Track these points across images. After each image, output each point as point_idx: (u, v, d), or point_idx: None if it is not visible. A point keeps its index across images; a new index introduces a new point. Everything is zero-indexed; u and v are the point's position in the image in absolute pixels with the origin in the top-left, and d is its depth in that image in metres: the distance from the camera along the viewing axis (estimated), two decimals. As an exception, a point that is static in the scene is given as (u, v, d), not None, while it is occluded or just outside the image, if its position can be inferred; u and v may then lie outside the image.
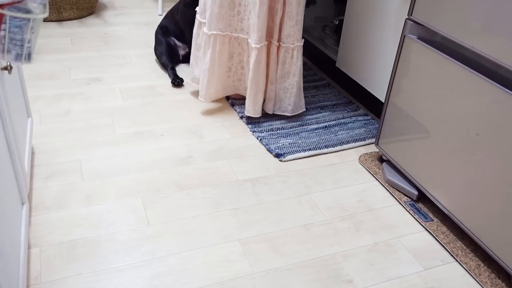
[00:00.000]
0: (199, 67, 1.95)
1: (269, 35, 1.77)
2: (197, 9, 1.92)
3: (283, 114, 1.92)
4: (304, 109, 1.97)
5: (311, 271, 1.28)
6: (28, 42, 0.88)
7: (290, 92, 1.88)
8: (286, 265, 1.29)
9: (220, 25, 1.75)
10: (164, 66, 2.27)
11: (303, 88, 2.10)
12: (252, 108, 1.86)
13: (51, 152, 1.65)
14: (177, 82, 2.13)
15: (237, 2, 1.73)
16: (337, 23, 2.43)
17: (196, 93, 2.11)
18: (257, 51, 1.73)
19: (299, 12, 1.73)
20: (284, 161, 1.71)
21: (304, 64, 2.46)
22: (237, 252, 1.32)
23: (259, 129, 1.86)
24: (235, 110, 1.99)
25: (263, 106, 1.92)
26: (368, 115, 2.02)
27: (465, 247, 1.38)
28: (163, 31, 2.33)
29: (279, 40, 1.78)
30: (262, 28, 1.69)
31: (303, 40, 1.81)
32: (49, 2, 2.65)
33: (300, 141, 1.81)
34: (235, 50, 1.84)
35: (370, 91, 1.96)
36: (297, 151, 1.74)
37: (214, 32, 1.77)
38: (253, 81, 1.79)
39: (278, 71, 1.83)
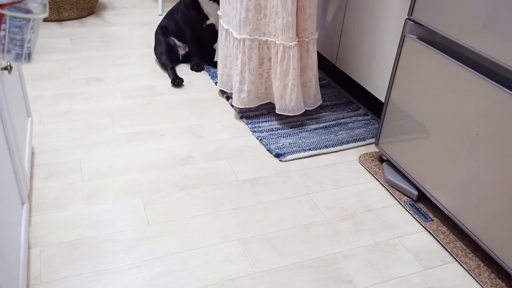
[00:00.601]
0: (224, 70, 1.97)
1: None
2: (221, 15, 1.94)
3: (305, 108, 1.92)
4: (321, 101, 1.98)
5: (311, 271, 1.28)
6: (28, 42, 0.88)
7: (309, 86, 1.89)
8: (286, 265, 1.29)
9: (248, 29, 1.75)
10: (164, 66, 2.27)
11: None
12: (288, 107, 1.86)
13: (51, 152, 1.65)
14: (177, 82, 2.13)
15: (263, 5, 1.72)
16: None
17: (195, 93, 2.11)
18: (290, 49, 1.73)
19: (311, 5, 1.73)
20: (284, 161, 1.71)
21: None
22: (237, 252, 1.32)
23: (259, 129, 1.86)
24: (235, 110, 1.99)
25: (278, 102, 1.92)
26: (368, 115, 2.02)
27: (465, 247, 1.38)
28: (163, 31, 2.33)
29: (296, 35, 1.78)
30: (294, 26, 1.70)
31: (317, 32, 1.81)
32: (49, 2, 2.65)
33: (300, 141, 1.81)
34: (265, 55, 1.83)
35: (370, 91, 1.96)
36: (297, 151, 1.74)
37: (243, 36, 1.77)
38: (281, 80, 1.79)
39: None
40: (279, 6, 1.67)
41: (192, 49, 2.30)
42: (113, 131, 1.80)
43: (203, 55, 2.38)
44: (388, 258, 1.34)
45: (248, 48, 1.78)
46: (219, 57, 1.98)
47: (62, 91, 2.04)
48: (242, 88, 1.85)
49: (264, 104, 2.04)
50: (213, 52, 2.41)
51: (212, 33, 2.27)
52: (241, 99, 1.87)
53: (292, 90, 1.80)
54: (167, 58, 2.26)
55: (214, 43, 2.39)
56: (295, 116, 1.96)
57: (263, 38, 1.78)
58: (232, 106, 2.02)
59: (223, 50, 1.95)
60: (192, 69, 2.31)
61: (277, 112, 1.88)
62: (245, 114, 1.95)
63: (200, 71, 2.30)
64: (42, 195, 1.46)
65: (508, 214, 1.20)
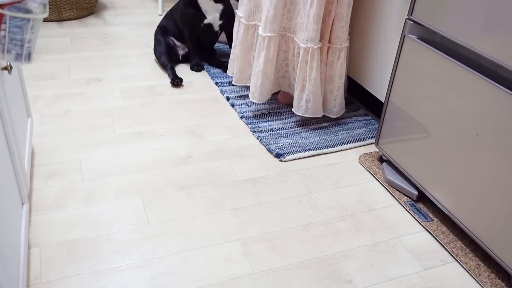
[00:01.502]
0: (251, 68, 1.96)
1: (320, 37, 1.77)
2: (240, 13, 1.94)
3: (328, 115, 1.92)
4: (345, 110, 1.98)
5: (311, 271, 1.28)
6: (28, 42, 0.88)
7: (336, 94, 1.87)
8: (286, 265, 1.29)
9: (275, 27, 1.75)
10: (163, 66, 2.27)
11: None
12: (296, 105, 1.85)
13: (51, 152, 1.65)
14: (177, 82, 2.13)
15: (288, 1, 1.73)
16: None
17: (195, 93, 2.11)
18: (303, 51, 1.73)
19: (348, 13, 1.73)
20: (284, 161, 1.71)
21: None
22: (237, 252, 1.32)
23: (259, 129, 1.86)
24: (235, 110, 2.00)
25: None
26: (368, 115, 2.02)
27: (465, 247, 1.38)
28: (162, 31, 2.33)
29: (329, 41, 1.78)
30: (311, 28, 1.68)
31: (348, 39, 1.82)
32: (49, 2, 2.65)
33: (300, 141, 1.81)
34: (281, 47, 1.84)
35: (370, 91, 1.96)
36: (297, 151, 1.74)
37: (269, 34, 1.76)
38: (299, 79, 1.79)
39: (326, 72, 1.83)
40: (301, 4, 1.70)
41: (191, 49, 2.30)
42: (113, 131, 1.80)
43: (202, 54, 2.38)
44: (388, 258, 1.34)
45: (274, 45, 1.78)
46: (241, 54, 1.96)
47: (62, 91, 2.04)
48: (264, 85, 1.85)
49: (264, 104, 2.04)
50: (212, 51, 2.41)
51: (210, 33, 2.27)
52: (263, 94, 1.88)
53: (296, 88, 1.81)
54: (167, 58, 2.26)
55: (214, 43, 2.39)
56: (295, 116, 1.96)
57: (282, 33, 1.80)
58: (233, 106, 2.02)
59: (251, 48, 1.94)
60: (192, 69, 2.31)
61: (294, 111, 1.87)
62: (245, 114, 1.95)
63: (200, 71, 2.30)
64: (42, 195, 1.46)
65: (508, 214, 1.20)
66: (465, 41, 1.24)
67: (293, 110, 1.87)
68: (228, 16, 2.26)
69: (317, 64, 1.74)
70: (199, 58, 2.33)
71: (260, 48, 1.80)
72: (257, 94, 1.87)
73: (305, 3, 1.68)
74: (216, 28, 2.25)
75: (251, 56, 1.94)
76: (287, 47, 1.84)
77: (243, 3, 1.90)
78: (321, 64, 1.79)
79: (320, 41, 1.75)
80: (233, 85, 2.16)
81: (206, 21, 2.21)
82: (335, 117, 1.92)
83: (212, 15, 2.20)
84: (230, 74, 2.11)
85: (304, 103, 1.82)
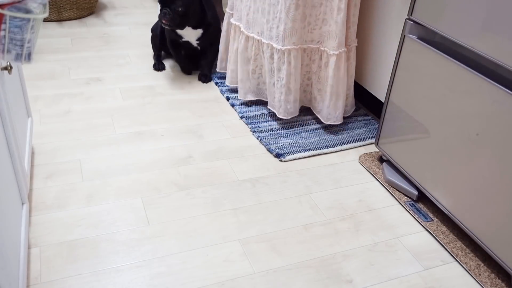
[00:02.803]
0: (250, 81, 1.95)
1: None
2: (237, 22, 1.93)
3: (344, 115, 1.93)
4: (355, 107, 2.00)
5: (311, 271, 1.28)
6: (28, 42, 0.88)
7: (347, 93, 1.88)
8: (286, 265, 1.29)
9: (294, 39, 1.73)
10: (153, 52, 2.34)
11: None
12: (333, 116, 1.84)
13: (51, 152, 1.65)
14: (158, 67, 2.20)
15: (308, 13, 1.72)
16: None
17: (195, 93, 2.11)
18: (335, 57, 1.73)
19: (356, 13, 1.76)
20: (284, 161, 1.71)
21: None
22: (237, 252, 1.32)
23: (259, 129, 1.86)
24: (235, 110, 2.00)
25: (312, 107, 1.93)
26: (368, 115, 2.02)
27: (465, 247, 1.38)
28: (156, 24, 2.34)
29: (345, 44, 1.79)
30: (340, 34, 1.70)
31: (357, 39, 1.84)
32: (49, 2, 2.65)
33: (300, 141, 1.81)
34: (303, 61, 1.83)
35: (370, 91, 1.96)
36: (297, 151, 1.74)
37: (289, 47, 1.73)
38: (333, 88, 1.78)
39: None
40: (327, 13, 1.70)
41: (174, 56, 2.29)
42: (113, 131, 1.80)
43: (193, 60, 2.33)
44: (388, 258, 1.34)
45: (294, 58, 1.75)
46: (242, 69, 1.94)
47: (62, 91, 2.04)
48: (288, 99, 1.82)
49: (264, 104, 2.04)
50: (197, 61, 2.33)
51: (189, 47, 2.23)
52: (288, 110, 1.85)
53: (337, 98, 1.81)
54: (154, 46, 2.33)
55: (196, 55, 2.30)
56: (295, 116, 1.96)
57: (305, 46, 1.78)
58: (233, 106, 2.02)
59: (250, 61, 1.91)
60: (153, 67, 2.31)
61: (330, 123, 1.86)
62: (245, 114, 1.95)
63: (159, 70, 2.28)
64: (42, 195, 1.46)
65: (508, 214, 1.20)
66: (465, 41, 1.24)
67: (327, 122, 1.85)
68: (207, 36, 2.18)
69: (344, 67, 1.77)
70: (159, 58, 2.33)
71: (280, 62, 1.77)
72: (282, 110, 1.84)
73: (332, 11, 1.68)
74: (194, 44, 2.20)
75: (249, 69, 1.93)
76: (309, 60, 1.83)
77: (243, 14, 1.89)
78: None
79: None
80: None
81: (183, 40, 2.18)
82: (347, 115, 1.95)
83: (189, 38, 2.16)
84: (228, 84, 2.09)
85: (341, 109, 1.83)
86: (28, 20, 0.86)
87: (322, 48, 1.77)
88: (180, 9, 1.95)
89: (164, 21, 1.97)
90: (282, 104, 1.83)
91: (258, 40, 1.85)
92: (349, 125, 1.94)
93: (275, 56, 1.77)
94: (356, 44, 1.85)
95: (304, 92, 1.92)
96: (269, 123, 1.91)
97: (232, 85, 2.09)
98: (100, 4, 3.07)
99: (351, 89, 1.91)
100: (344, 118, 1.97)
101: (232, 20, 1.98)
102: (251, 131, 1.87)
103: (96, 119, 1.86)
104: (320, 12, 1.71)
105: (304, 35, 1.76)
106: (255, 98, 1.99)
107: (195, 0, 2.00)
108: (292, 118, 1.95)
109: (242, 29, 1.90)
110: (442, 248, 1.39)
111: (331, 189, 1.59)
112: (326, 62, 1.77)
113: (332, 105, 1.81)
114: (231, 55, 2.02)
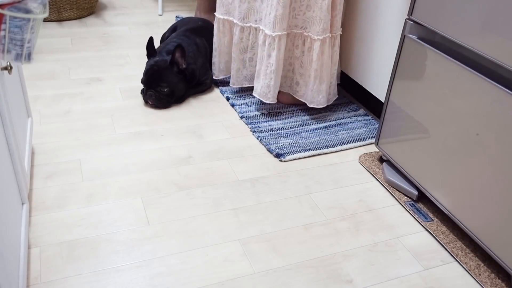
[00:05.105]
0: (247, 69, 1.99)
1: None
2: (225, 16, 1.95)
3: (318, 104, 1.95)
4: (337, 96, 2.02)
5: (311, 271, 1.28)
6: (28, 42, 0.88)
7: (330, 81, 1.91)
8: (286, 265, 1.29)
9: (284, 25, 1.76)
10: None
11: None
12: (316, 99, 1.88)
13: (51, 152, 1.65)
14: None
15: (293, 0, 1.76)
16: None
17: (196, 94, 2.11)
18: (320, 42, 1.76)
19: (341, 1, 1.79)
20: (284, 161, 1.71)
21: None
22: (237, 252, 1.32)
23: (259, 129, 1.86)
24: (235, 110, 2.00)
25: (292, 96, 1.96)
26: (368, 115, 2.02)
27: (465, 247, 1.38)
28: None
29: (330, 31, 1.82)
30: (325, 19, 1.73)
31: (341, 28, 1.87)
32: (49, 2, 2.64)
33: (300, 141, 1.81)
34: (286, 46, 1.86)
35: (370, 91, 1.96)
36: (297, 151, 1.74)
37: (279, 33, 1.76)
38: (317, 72, 1.82)
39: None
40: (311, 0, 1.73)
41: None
42: (113, 131, 1.80)
43: None
44: (388, 258, 1.34)
45: (283, 44, 1.79)
46: (239, 58, 1.98)
47: (62, 91, 2.04)
48: (276, 85, 1.87)
49: (264, 104, 2.04)
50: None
51: None
52: (274, 96, 1.89)
53: (320, 82, 1.84)
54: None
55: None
56: (295, 116, 1.96)
57: (288, 31, 1.82)
58: (233, 106, 2.02)
59: (247, 50, 1.95)
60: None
61: (313, 106, 1.90)
62: (245, 114, 1.95)
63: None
64: (42, 195, 1.46)
65: (508, 214, 1.20)
66: (465, 41, 1.24)
67: (311, 105, 1.89)
68: (200, 88, 2.13)
69: (328, 52, 1.80)
70: None
71: (270, 48, 1.80)
72: (271, 95, 1.88)
73: None
74: None
75: (246, 57, 1.97)
76: (292, 46, 1.86)
77: (233, 7, 1.91)
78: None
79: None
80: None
81: None
82: (325, 105, 1.95)
83: None
84: (216, 78, 2.13)
85: (325, 94, 1.87)
86: (28, 20, 0.86)
87: (305, 34, 1.80)
88: (166, 90, 1.94)
89: (150, 102, 1.96)
90: (272, 89, 1.86)
91: (255, 28, 1.89)
92: (349, 125, 1.94)
93: (266, 43, 1.81)
94: (341, 33, 1.88)
95: (284, 77, 1.95)
96: (269, 123, 1.91)
97: (221, 77, 2.13)
98: (100, 4, 3.07)
99: (334, 77, 1.93)
100: (328, 106, 2.00)
101: (219, 15, 1.99)
102: (251, 131, 1.87)
103: (96, 119, 1.86)
104: None
105: (289, 21, 1.80)
106: (251, 85, 2.03)
107: (179, 78, 1.97)
108: (292, 118, 1.95)
109: (235, 21, 1.92)
110: (442, 248, 1.39)
111: (331, 189, 1.59)
112: (310, 47, 1.80)
113: (315, 88, 1.85)
114: (221, 48, 2.06)
